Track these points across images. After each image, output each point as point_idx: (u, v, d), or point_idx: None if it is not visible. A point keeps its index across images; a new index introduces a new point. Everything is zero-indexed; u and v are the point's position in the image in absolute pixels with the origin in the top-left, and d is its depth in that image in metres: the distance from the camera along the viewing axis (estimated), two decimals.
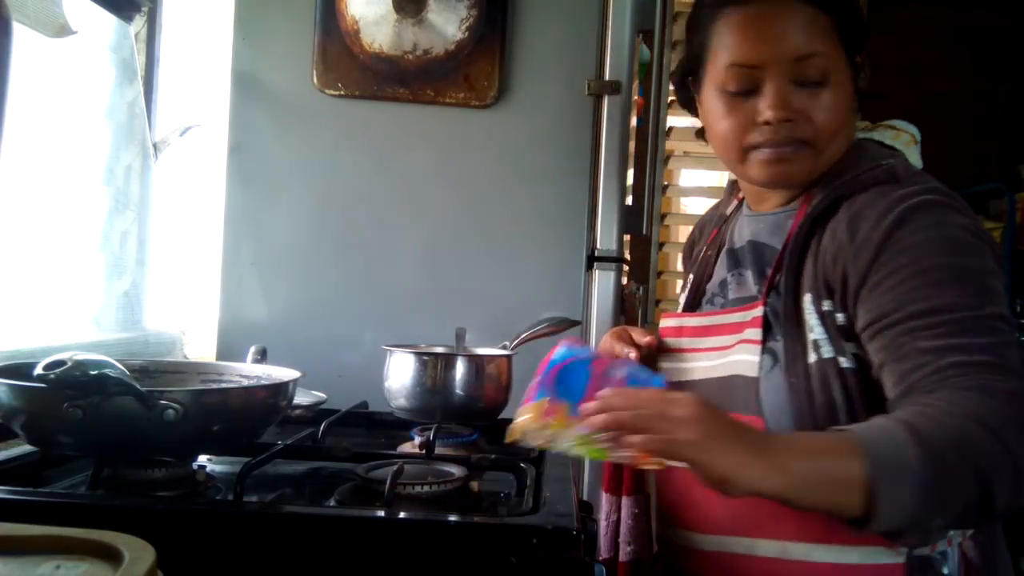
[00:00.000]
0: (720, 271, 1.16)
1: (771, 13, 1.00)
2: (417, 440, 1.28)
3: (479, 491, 1.06)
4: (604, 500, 1.23)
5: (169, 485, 1.01)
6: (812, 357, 0.96)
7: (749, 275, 1.09)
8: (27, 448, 1.07)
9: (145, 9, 1.82)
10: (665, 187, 2.72)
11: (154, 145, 1.83)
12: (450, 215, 1.82)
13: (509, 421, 1.34)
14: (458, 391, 1.32)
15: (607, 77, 1.78)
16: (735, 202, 1.21)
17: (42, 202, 1.54)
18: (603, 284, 1.79)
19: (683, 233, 2.86)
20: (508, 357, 1.39)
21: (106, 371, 0.91)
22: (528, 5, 1.81)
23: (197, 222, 1.97)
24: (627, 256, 1.98)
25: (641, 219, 1.91)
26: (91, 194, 1.68)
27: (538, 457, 1.21)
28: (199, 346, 1.93)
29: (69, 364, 0.89)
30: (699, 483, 1.00)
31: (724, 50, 1.02)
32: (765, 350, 1.00)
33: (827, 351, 0.95)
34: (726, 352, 1.06)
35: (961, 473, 0.80)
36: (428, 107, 1.81)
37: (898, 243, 0.92)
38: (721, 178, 3.00)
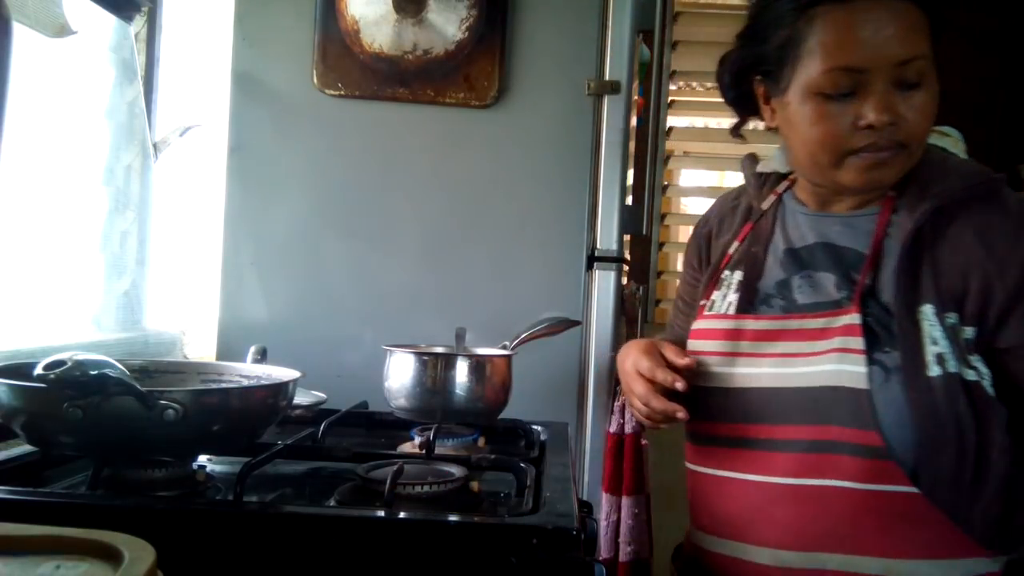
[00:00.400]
0: (775, 270, 1.10)
1: (877, 13, 0.95)
2: (417, 440, 1.28)
3: (479, 491, 1.06)
4: (604, 500, 1.23)
5: (169, 485, 1.01)
6: (935, 371, 0.93)
7: (825, 278, 1.04)
8: (27, 448, 1.07)
9: (145, 9, 1.82)
10: (665, 187, 2.72)
11: (154, 145, 1.83)
12: (450, 215, 1.82)
13: (509, 421, 1.34)
14: (458, 391, 1.32)
15: (607, 77, 1.78)
16: (772, 197, 1.16)
17: (42, 202, 1.54)
18: (603, 284, 1.79)
19: (683, 233, 2.85)
20: (508, 357, 1.39)
21: (106, 371, 0.91)
22: (528, 5, 1.81)
23: (197, 222, 1.97)
24: (627, 256, 1.97)
25: (641, 219, 1.91)
26: (91, 194, 1.68)
27: (538, 457, 1.21)
28: (199, 346, 1.93)
29: (69, 364, 0.89)
30: (781, 498, 0.99)
31: (823, 51, 0.97)
32: (873, 361, 0.96)
33: (952, 365, 0.94)
34: (811, 360, 1.00)
35: None
36: (428, 107, 1.81)
37: None
38: (721, 178, 3.00)
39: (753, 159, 1.23)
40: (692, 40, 2.74)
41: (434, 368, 1.32)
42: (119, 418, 0.92)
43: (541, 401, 1.55)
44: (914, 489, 0.94)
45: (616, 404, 1.72)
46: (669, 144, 2.72)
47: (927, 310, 0.96)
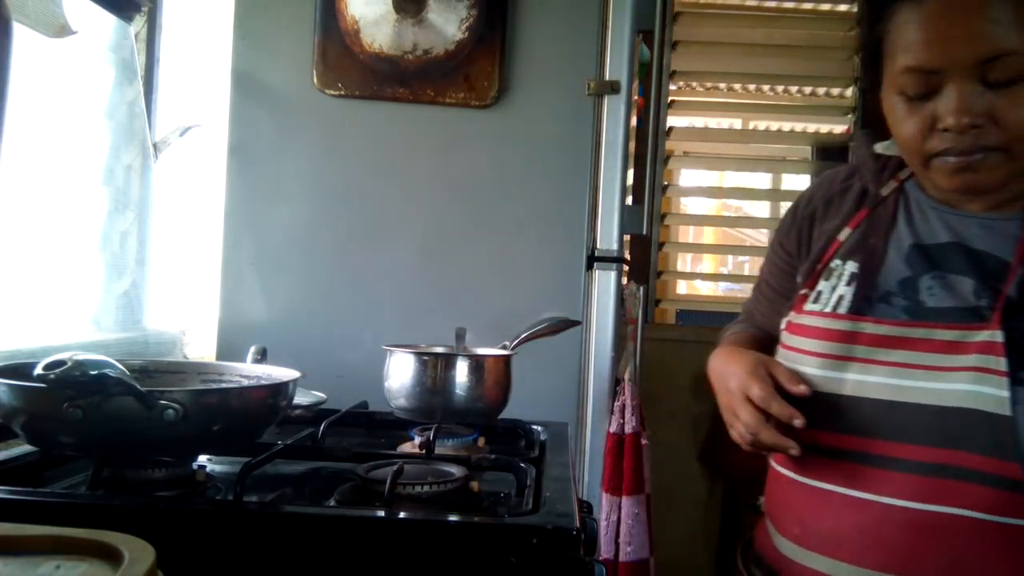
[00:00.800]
0: (898, 266, 1.00)
1: (951, 9, 0.90)
2: (417, 440, 1.28)
3: (479, 491, 1.06)
4: (604, 500, 1.22)
5: (169, 485, 1.01)
6: None
7: (961, 282, 0.95)
8: (27, 448, 1.07)
9: (145, 9, 1.82)
10: (665, 187, 2.72)
11: (154, 145, 1.83)
12: (450, 215, 1.82)
13: (509, 421, 1.34)
14: (458, 391, 1.32)
15: (607, 77, 1.78)
16: (893, 183, 1.07)
17: (42, 202, 1.54)
18: (603, 284, 1.79)
19: (683, 233, 2.85)
20: (508, 357, 1.39)
21: (106, 371, 0.91)
22: (528, 5, 1.81)
23: (197, 222, 1.97)
24: (627, 256, 1.98)
25: (641, 219, 1.91)
26: (91, 194, 1.68)
27: (538, 457, 1.21)
28: (199, 346, 1.93)
29: (69, 364, 0.89)
30: (896, 521, 0.90)
31: (901, 51, 0.93)
32: (1018, 382, 0.87)
33: None
34: (940, 375, 0.92)
35: None
36: (428, 107, 1.81)
37: None
38: (721, 178, 3.00)
39: (870, 137, 1.12)
40: (692, 40, 2.74)
41: (434, 368, 1.32)
42: (119, 418, 0.92)
43: (541, 401, 1.55)
44: None
45: (616, 404, 1.72)
46: (669, 144, 2.72)
47: None
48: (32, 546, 0.61)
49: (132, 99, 1.75)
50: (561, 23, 1.81)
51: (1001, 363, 0.88)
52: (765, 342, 1.16)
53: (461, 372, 1.32)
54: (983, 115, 0.89)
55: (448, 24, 1.78)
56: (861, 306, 0.99)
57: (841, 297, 1.01)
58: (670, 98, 2.72)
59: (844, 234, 1.07)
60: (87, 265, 1.67)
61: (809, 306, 1.04)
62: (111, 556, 0.59)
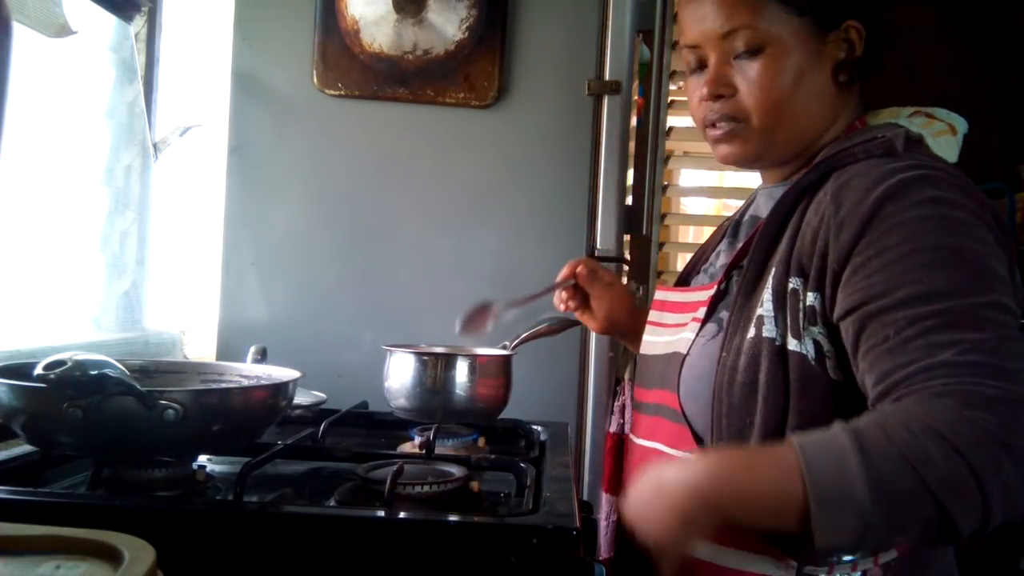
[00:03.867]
0: (721, 241, 1.12)
1: None
2: (417, 440, 1.28)
3: (479, 491, 1.06)
4: (604, 500, 1.21)
5: (169, 485, 1.01)
6: (751, 332, 0.89)
7: (738, 247, 1.02)
8: (27, 448, 1.07)
9: (145, 9, 1.82)
10: (665, 187, 2.71)
11: (154, 145, 1.83)
12: (450, 215, 1.82)
13: (509, 421, 1.34)
14: (458, 391, 1.32)
15: (607, 77, 1.78)
16: None
17: (42, 202, 1.54)
18: None
19: (683, 233, 2.85)
20: (508, 357, 1.39)
21: (106, 371, 0.91)
22: (528, 5, 1.81)
23: (197, 222, 1.97)
24: (627, 256, 1.97)
25: (641, 219, 1.90)
26: (91, 194, 1.68)
27: (538, 457, 1.21)
28: (199, 346, 1.93)
29: (69, 364, 0.89)
30: (639, 459, 1.01)
31: (680, 32, 1.03)
32: (715, 319, 0.96)
33: (770, 330, 0.88)
34: (676, 330, 1.04)
35: (911, 495, 0.71)
36: (428, 107, 1.81)
37: (889, 219, 0.82)
38: (721, 178, 3.00)
39: None
40: None
41: (434, 368, 1.32)
42: (119, 418, 0.92)
43: (541, 401, 1.55)
44: None
45: (616, 404, 1.72)
46: (669, 144, 2.71)
47: (774, 273, 0.90)
48: (32, 546, 0.61)
49: (132, 99, 1.75)
50: (561, 23, 1.81)
51: (702, 311, 0.98)
52: None
53: (461, 372, 1.32)
54: (729, 85, 0.96)
55: (448, 24, 1.78)
56: (688, 271, 1.15)
57: (684, 268, 1.18)
58: (670, 98, 2.72)
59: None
60: (87, 265, 1.67)
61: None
62: (111, 556, 0.59)
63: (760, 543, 0.88)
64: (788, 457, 0.74)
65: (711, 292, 1.00)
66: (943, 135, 0.97)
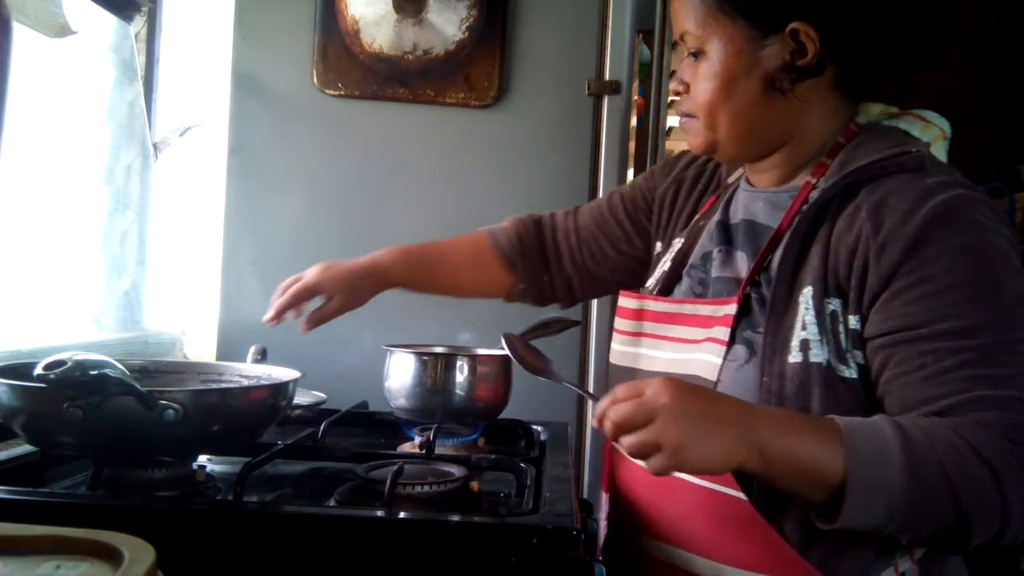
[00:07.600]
0: (706, 242, 1.06)
1: None
2: (417, 440, 1.28)
3: (479, 491, 1.06)
4: (604, 500, 1.22)
5: (169, 485, 1.00)
6: (796, 357, 0.87)
7: (740, 255, 1.00)
8: (27, 448, 1.07)
9: (145, 9, 1.82)
10: None
11: (154, 145, 1.83)
12: (450, 215, 1.82)
13: (509, 421, 1.34)
14: (458, 391, 1.32)
15: (607, 77, 1.78)
16: (742, 171, 1.10)
17: (42, 202, 1.54)
18: None
19: None
20: (508, 357, 1.39)
21: (106, 371, 0.91)
22: (528, 5, 1.81)
23: (197, 222, 1.97)
24: None
25: None
26: (91, 194, 1.68)
27: (538, 457, 1.21)
28: (199, 346, 1.93)
29: (69, 364, 0.89)
30: (646, 486, 0.97)
31: None
32: (741, 339, 0.92)
33: (817, 355, 0.86)
34: (690, 347, 0.99)
35: (941, 502, 0.77)
36: (428, 107, 1.81)
37: (932, 246, 0.84)
38: None
39: None
40: None
41: (434, 368, 1.32)
42: (119, 418, 0.92)
43: (541, 401, 1.54)
44: (739, 494, 0.87)
45: None
46: (669, 144, 2.72)
47: (807, 292, 0.89)
48: (32, 546, 0.61)
49: (132, 99, 1.76)
50: (561, 23, 1.81)
51: (726, 333, 0.93)
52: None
53: (461, 372, 1.32)
54: (683, 83, 1.00)
55: (448, 24, 1.78)
56: (671, 277, 1.09)
57: (663, 273, 1.10)
58: (670, 98, 2.72)
59: (692, 222, 1.14)
60: (87, 265, 1.68)
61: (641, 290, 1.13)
62: (111, 556, 0.59)
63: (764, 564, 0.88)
64: (833, 434, 0.79)
65: (728, 309, 0.95)
66: (938, 140, 0.98)
